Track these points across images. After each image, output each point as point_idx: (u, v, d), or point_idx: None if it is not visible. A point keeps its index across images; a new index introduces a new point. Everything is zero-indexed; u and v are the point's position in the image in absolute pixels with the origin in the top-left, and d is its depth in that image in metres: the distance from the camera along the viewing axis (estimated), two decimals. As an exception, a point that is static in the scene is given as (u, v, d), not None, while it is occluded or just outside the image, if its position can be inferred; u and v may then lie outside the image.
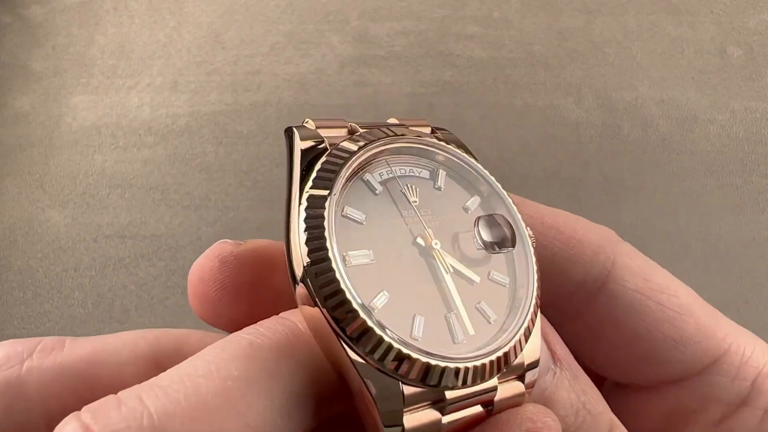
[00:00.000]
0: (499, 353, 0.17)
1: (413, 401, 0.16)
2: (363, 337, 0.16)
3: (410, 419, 0.16)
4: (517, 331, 0.18)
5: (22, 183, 0.48)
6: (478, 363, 0.17)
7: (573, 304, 0.23)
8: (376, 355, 0.16)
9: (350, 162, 0.18)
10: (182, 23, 0.49)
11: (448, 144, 0.20)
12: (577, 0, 0.48)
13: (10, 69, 0.49)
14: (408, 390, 0.16)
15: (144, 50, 0.49)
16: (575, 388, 0.20)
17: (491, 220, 0.19)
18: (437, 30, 0.48)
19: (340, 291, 0.16)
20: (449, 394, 0.17)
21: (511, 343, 0.18)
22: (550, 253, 0.22)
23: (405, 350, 0.16)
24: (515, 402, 0.18)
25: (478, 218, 0.19)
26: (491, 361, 0.17)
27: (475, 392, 0.17)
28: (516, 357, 0.18)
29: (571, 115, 0.47)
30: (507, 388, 0.18)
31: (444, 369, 0.16)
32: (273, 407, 0.15)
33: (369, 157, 0.19)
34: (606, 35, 0.48)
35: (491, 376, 0.17)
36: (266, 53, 0.48)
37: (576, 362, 0.21)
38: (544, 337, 0.20)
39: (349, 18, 0.48)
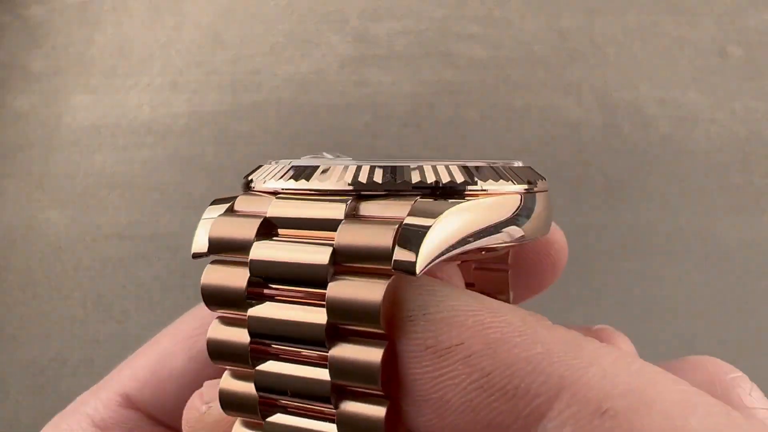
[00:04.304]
0: None
1: None
2: None
3: None
4: None
5: (21, 183, 0.48)
6: None
7: None
8: None
9: None
10: (182, 23, 0.49)
11: None
12: (578, 0, 0.48)
13: (10, 69, 0.49)
14: None
15: (143, 50, 0.49)
16: None
17: None
18: (437, 30, 0.48)
19: None
20: None
21: None
22: None
23: None
24: None
25: None
26: None
27: None
28: None
29: (571, 115, 0.47)
30: None
31: None
32: None
33: None
34: (606, 35, 0.48)
35: None
36: (266, 53, 0.48)
37: None
38: None
39: (349, 18, 0.48)
